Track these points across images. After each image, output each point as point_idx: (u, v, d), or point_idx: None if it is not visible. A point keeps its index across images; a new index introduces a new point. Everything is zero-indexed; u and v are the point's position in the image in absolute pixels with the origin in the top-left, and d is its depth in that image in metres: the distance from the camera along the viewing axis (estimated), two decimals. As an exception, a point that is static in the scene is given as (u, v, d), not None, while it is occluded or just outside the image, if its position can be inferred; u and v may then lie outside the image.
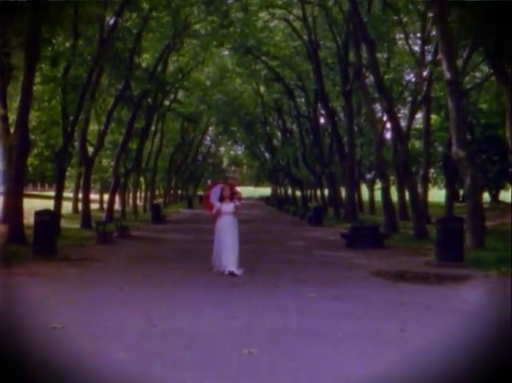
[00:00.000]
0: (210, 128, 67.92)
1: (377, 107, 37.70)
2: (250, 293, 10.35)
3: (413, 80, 35.80)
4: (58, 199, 23.50)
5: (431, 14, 26.50)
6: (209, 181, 55.97)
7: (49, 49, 21.78)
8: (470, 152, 18.88)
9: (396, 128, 24.63)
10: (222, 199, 13.34)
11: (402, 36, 34.63)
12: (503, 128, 25.57)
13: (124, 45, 28.74)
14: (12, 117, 24.06)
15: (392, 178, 34.03)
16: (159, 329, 7.58)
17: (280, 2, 34.89)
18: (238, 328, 7.72)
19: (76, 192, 41.33)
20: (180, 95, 47.56)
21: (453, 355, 6.62)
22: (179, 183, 69.97)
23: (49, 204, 23.72)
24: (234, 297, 10.03)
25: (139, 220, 33.66)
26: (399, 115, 41.77)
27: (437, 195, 47.59)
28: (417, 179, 28.27)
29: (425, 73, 29.68)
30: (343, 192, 38.84)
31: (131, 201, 45.66)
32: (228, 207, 13.28)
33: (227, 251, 12.74)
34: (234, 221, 13.28)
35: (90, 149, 30.39)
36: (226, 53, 43.30)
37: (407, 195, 24.99)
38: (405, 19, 31.67)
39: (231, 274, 12.33)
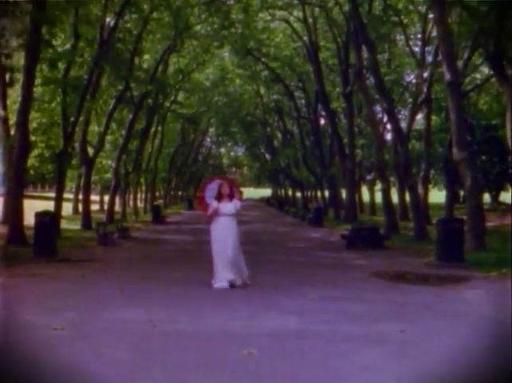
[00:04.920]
0: (211, 130, 67.92)
1: (378, 108, 37.72)
2: (250, 294, 10.34)
3: (414, 81, 35.87)
4: (58, 200, 23.51)
5: (431, 15, 26.54)
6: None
7: (50, 50, 21.79)
8: (471, 153, 18.89)
9: (397, 130, 24.64)
10: (220, 197, 11.30)
11: (402, 37, 34.67)
12: (503, 129, 25.59)
13: (125, 46, 28.75)
14: (12, 118, 24.07)
15: (393, 179, 34.07)
16: (159, 330, 7.58)
17: (280, 3, 34.92)
18: (238, 329, 7.71)
19: (76, 193, 41.40)
20: (181, 96, 47.60)
21: (453, 356, 6.62)
22: (180, 184, 70.00)
23: (50, 205, 23.73)
24: (235, 298, 10.02)
25: (139, 221, 33.68)
26: (400, 116, 41.89)
27: (437, 196, 47.66)
28: (417, 180, 28.29)
29: (425, 75, 29.72)
30: (343, 193, 38.86)
31: (131, 202, 45.70)
32: (227, 207, 11.22)
33: (227, 260, 10.91)
34: (233, 224, 11.27)
35: (90, 150, 30.39)
36: (227, 54, 43.32)
37: (407, 196, 25.01)
38: (406, 20, 31.71)
39: (232, 286, 10.80)
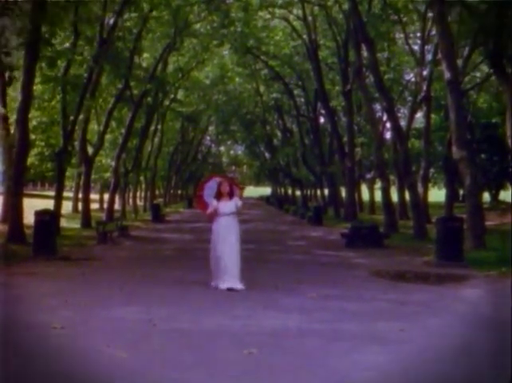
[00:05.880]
0: (210, 128, 67.87)
1: (377, 106, 37.73)
2: (250, 292, 10.33)
3: (413, 79, 35.86)
4: (58, 198, 23.51)
5: (431, 14, 26.52)
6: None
7: (49, 48, 21.81)
8: (470, 151, 18.89)
9: (396, 128, 24.65)
10: (219, 196, 10.95)
11: (402, 35, 34.66)
12: (503, 127, 25.58)
13: (124, 44, 28.74)
14: (12, 117, 24.07)
15: (392, 178, 34.07)
16: (158, 329, 7.57)
17: (280, 2, 34.88)
18: (238, 328, 7.71)
19: (76, 192, 41.39)
20: (180, 94, 47.54)
21: (453, 355, 6.62)
22: (179, 182, 70.00)
23: (49, 204, 23.72)
24: (234, 296, 10.02)
25: (139, 220, 33.67)
26: (399, 114, 41.87)
27: (437, 194, 47.63)
28: (417, 178, 28.29)
29: (425, 73, 29.72)
30: (343, 192, 38.85)
31: (131, 201, 45.69)
32: (227, 206, 10.89)
33: (226, 262, 10.62)
34: (234, 224, 10.97)
35: (90, 149, 30.38)
36: (226, 52, 43.29)
37: (407, 194, 25.01)
38: (405, 19, 31.70)
39: (230, 289, 10.39)
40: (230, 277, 10.58)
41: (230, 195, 11.00)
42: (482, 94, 35.43)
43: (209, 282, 10.91)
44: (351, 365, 6.22)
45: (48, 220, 15.78)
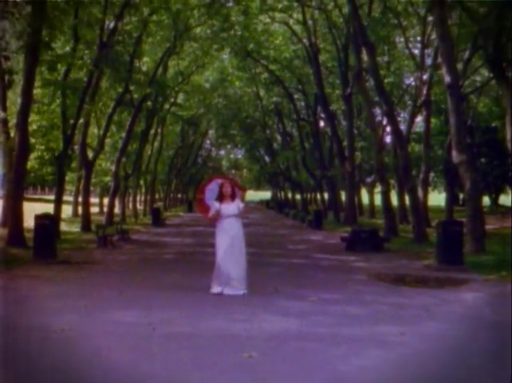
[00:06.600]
0: (210, 132, 67.95)
1: (377, 110, 37.74)
2: (250, 296, 10.32)
3: (413, 83, 35.88)
4: (58, 202, 23.51)
5: (430, 18, 26.55)
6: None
7: (49, 52, 21.87)
8: (470, 155, 18.89)
9: (396, 132, 24.64)
10: (221, 198, 10.64)
11: (402, 39, 34.70)
12: (503, 131, 25.59)
13: (124, 48, 28.77)
14: (12, 121, 24.08)
15: (392, 181, 34.06)
16: (158, 333, 7.56)
17: (280, 6, 34.93)
18: (239, 331, 7.70)
19: (76, 196, 41.39)
20: (180, 98, 47.60)
21: (453, 358, 6.61)
22: (179, 186, 70.00)
23: (49, 208, 23.74)
24: (234, 300, 10.00)
25: (139, 223, 33.66)
26: (399, 118, 41.88)
27: (437, 198, 47.66)
28: (417, 182, 28.29)
29: (425, 77, 29.73)
30: (343, 196, 38.84)
31: (131, 204, 45.68)
32: (229, 208, 10.56)
33: (229, 267, 10.36)
34: (238, 227, 10.65)
35: (90, 153, 30.37)
36: (226, 56, 43.33)
37: (407, 198, 25.00)
38: (405, 22, 31.73)
39: (231, 294, 10.27)
40: (233, 282, 10.44)
41: (232, 197, 10.69)
42: (482, 98, 35.46)
43: (210, 286, 10.87)
44: (351, 368, 6.20)
45: (48, 224, 15.78)
